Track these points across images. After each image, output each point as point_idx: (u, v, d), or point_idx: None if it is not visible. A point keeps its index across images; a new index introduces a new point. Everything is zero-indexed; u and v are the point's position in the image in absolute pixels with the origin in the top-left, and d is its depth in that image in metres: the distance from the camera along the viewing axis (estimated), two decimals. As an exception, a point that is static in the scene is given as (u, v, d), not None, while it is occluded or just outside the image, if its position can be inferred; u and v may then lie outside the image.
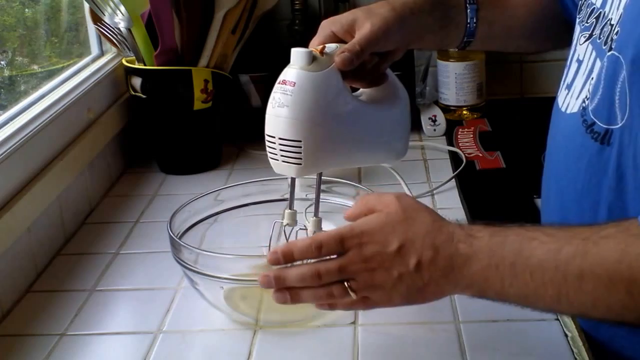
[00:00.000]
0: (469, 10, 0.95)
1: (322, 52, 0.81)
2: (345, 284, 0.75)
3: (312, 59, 0.79)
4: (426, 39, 0.93)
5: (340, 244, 0.74)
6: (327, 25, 0.87)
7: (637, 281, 0.63)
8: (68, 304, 0.94)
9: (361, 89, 0.88)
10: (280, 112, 0.79)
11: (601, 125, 0.74)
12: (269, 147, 0.81)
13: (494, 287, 0.70)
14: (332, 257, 0.75)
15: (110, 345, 0.87)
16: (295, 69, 0.79)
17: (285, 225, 0.86)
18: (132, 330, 0.90)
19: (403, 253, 0.72)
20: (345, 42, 0.85)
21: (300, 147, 0.79)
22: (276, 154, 0.80)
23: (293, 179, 0.85)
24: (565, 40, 1.06)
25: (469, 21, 0.95)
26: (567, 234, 0.68)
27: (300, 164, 0.80)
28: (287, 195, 1.01)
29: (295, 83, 0.78)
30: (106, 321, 0.91)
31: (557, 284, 0.66)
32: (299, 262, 0.76)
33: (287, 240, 0.87)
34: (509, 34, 1.02)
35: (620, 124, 0.72)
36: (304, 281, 0.76)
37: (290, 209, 0.86)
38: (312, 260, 0.75)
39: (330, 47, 0.83)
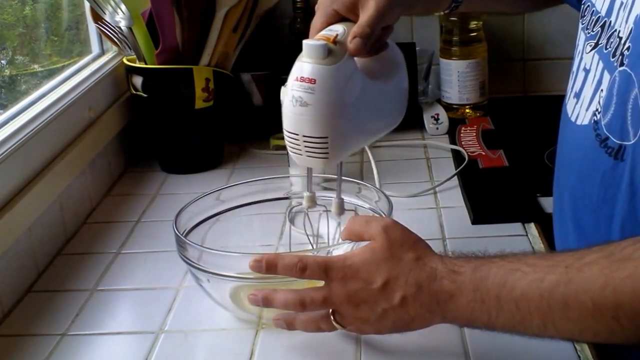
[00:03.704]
0: None
1: (334, 41, 0.79)
2: (332, 317, 0.76)
3: (328, 52, 0.77)
4: (417, 7, 0.93)
5: (324, 273, 0.75)
6: (328, 4, 0.85)
7: (622, 306, 0.62)
8: (69, 303, 0.94)
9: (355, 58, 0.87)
10: (304, 111, 0.77)
11: (615, 140, 0.73)
12: (292, 143, 0.80)
13: (481, 319, 0.71)
14: (316, 287, 0.76)
15: (111, 345, 0.86)
16: (311, 64, 0.77)
17: (307, 209, 0.88)
18: (134, 330, 0.89)
19: (387, 290, 0.73)
20: (349, 20, 0.83)
21: (327, 142, 0.78)
22: (300, 150, 0.80)
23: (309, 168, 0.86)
24: (542, 5, 1.11)
25: None
26: (549, 263, 0.68)
27: (327, 157, 0.79)
28: (289, 194, 1.01)
29: (315, 80, 0.77)
30: (107, 321, 0.91)
31: (542, 312, 0.67)
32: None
33: (310, 222, 0.90)
34: None
35: (632, 141, 0.71)
36: (287, 307, 0.77)
37: (308, 191, 0.88)
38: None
39: (340, 32, 0.80)
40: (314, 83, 0.76)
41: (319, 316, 0.78)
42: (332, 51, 0.78)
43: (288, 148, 0.81)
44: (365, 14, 0.82)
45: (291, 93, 0.78)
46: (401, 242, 0.75)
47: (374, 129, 0.86)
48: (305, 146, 0.79)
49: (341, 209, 0.87)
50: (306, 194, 0.88)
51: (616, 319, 0.63)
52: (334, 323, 0.77)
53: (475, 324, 0.72)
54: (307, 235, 0.90)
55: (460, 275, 0.71)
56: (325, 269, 0.75)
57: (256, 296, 0.78)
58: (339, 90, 0.78)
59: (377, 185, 1.12)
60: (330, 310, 0.76)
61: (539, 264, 0.68)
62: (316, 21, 0.85)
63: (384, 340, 0.82)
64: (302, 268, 0.75)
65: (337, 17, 0.84)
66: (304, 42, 0.78)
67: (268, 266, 0.76)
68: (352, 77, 0.80)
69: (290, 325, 0.80)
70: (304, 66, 0.78)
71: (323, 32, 0.82)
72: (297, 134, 0.79)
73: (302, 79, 0.77)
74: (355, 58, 0.84)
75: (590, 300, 0.64)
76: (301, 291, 0.76)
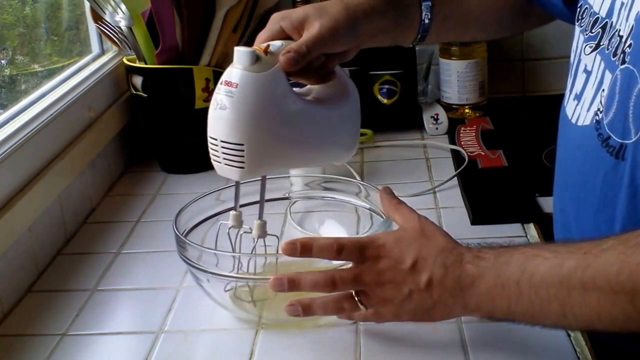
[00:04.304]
0: (423, 7, 0.93)
1: (266, 51, 0.79)
2: (356, 298, 0.76)
3: (256, 58, 0.77)
4: (379, 39, 0.91)
5: (360, 253, 0.76)
6: (277, 20, 0.85)
7: (638, 291, 0.63)
8: (69, 303, 0.94)
9: (309, 86, 0.86)
10: (222, 114, 0.77)
11: (616, 139, 0.73)
12: (212, 149, 0.79)
13: (501, 306, 0.71)
14: (345, 267, 0.77)
15: (111, 345, 0.86)
16: (238, 70, 0.77)
17: (230, 228, 0.86)
18: (134, 330, 0.89)
19: (416, 270, 0.74)
20: (292, 40, 0.83)
21: (243, 150, 0.77)
22: (219, 157, 0.79)
23: (237, 182, 0.84)
24: (520, 28, 1.11)
25: (423, 18, 0.93)
26: (569, 249, 0.68)
27: (243, 167, 0.78)
28: (290, 194, 1.01)
29: (237, 84, 0.76)
30: (107, 321, 0.91)
31: (561, 298, 0.67)
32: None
33: (232, 243, 0.87)
34: (463, 27, 1.02)
35: (633, 139, 0.71)
36: (316, 287, 0.77)
37: (235, 210, 0.86)
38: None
39: (275, 45, 0.80)
40: (235, 87, 0.76)
41: (341, 297, 0.77)
42: (259, 59, 0.77)
43: (211, 156, 0.80)
44: (307, 34, 0.82)
45: (214, 96, 0.78)
46: (433, 227, 0.78)
47: (306, 152, 0.83)
48: (223, 152, 0.78)
49: (262, 231, 0.85)
50: (232, 212, 0.86)
51: (632, 304, 0.64)
52: (357, 303, 0.76)
53: (495, 313, 0.72)
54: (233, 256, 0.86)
55: (483, 261, 0.72)
56: (361, 248, 0.76)
57: (281, 280, 0.77)
58: (259, 97, 0.77)
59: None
60: (354, 291, 0.77)
61: (560, 250, 0.69)
62: (261, 34, 0.84)
63: (384, 339, 0.82)
64: (339, 249, 0.75)
65: (282, 35, 0.83)
66: (235, 48, 0.78)
67: (303, 249, 0.76)
68: (278, 89, 0.78)
69: (307, 310, 0.79)
70: (231, 71, 0.78)
71: (262, 44, 0.81)
72: (216, 139, 0.78)
73: (226, 83, 0.77)
74: (308, 87, 0.85)
75: (608, 285, 0.64)
76: (331, 271, 0.76)
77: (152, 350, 0.84)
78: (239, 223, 0.86)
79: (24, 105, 1.10)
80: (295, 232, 1.00)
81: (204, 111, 1.29)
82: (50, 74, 1.25)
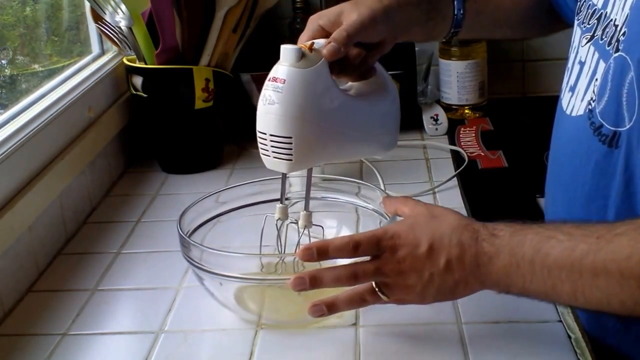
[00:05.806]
0: (456, 2, 0.95)
1: (310, 48, 0.82)
2: (377, 289, 0.77)
3: (301, 55, 0.80)
4: (413, 32, 0.93)
5: (376, 246, 0.76)
6: (315, 20, 0.87)
7: None
8: (69, 303, 0.94)
9: (350, 83, 0.89)
10: (271, 109, 0.80)
11: (609, 127, 0.74)
12: (261, 143, 0.82)
13: (516, 284, 0.72)
14: (364, 259, 0.77)
15: (111, 345, 0.86)
16: (285, 66, 0.80)
17: (277, 220, 0.88)
18: (134, 330, 0.89)
19: (433, 253, 0.74)
20: None
21: (291, 143, 0.80)
22: (267, 150, 0.82)
23: (284, 175, 0.87)
24: (550, 28, 1.09)
25: (456, 13, 0.95)
26: (584, 232, 0.69)
27: (291, 159, 0.81)
28: (290, 194, 1.01)
29: (285, 80, 0.79)
30: (108, 321, 0.91)
31: (572, 280, 0.68)
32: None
33: (278, 234, 0.88)
34: (495, 24, 1.03)
35: (628, 126, 0.72)
36: (339, 282, 0.77)
37: (281, 203, 0.88)
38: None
39: (319, 42, 0.83)
40: (283, 83, 0.79)
41: (362, 290, 0.78)
42: (305, 56, 0.80)
43: (260, 151, 0.83)
44: (346, 22, 0.84)
45: (263, 93, 0.81)
46: (441, 209, 0.79)
47: (350, 145, 0.86)
48: (272, 146, 0.81)
49: (308, 221, 0.87)
50: (278, 205, 0.88)
51: None
52: (379, 294, 0.77)
53: (511, 289, 0.73)
54: (278, 247, 0.89)
55: (498, 239, 0.73)
56: (377, 241, 0.76)
57: (302, 278, 0.76)
58: (306, 92, 0.80)
59: (382, 186, 1.13)
60: (374, 283, 0.77)
61: (574, 233, 0.69)
62: (302, 35, 0.87)
63: (384, 339, 0.82)
64: (355, 246, 0.76)
65: (322, 33, 0.86)
66: (282, 46, 0.81)
67: (320, 252, 0.76)
68: (324, 84, 0.81)
69: (331, 308, 0.79)
70: (278, 68, 0.81)
71: (306, 43, 0.84)
72: (265, 133, 0.81)
73: (274, 79, 0.80)
74: (350, 84, 0.87)
75: (617, 269, 0.65)
76: (352, 265, 0.77)
77: (152, 350, 0.84)
78: (285, 215, 0.88)
79: (24, 105, 1.10)
80: (296, 233, 1.00)
81: (204, 111, 1.31)
82: (51, 74, 1.25)
